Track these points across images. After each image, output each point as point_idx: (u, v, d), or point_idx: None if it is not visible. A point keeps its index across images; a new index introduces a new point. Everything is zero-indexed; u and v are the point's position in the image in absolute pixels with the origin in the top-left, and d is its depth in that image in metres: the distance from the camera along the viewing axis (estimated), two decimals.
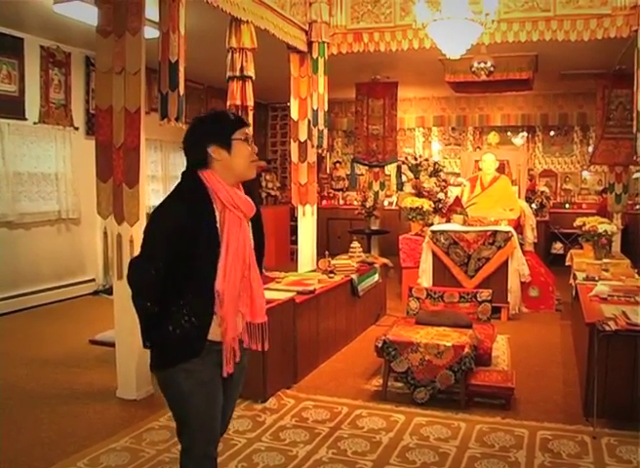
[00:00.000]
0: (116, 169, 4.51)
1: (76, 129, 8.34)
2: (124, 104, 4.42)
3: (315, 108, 7.02)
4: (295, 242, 8.19)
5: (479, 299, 5.58)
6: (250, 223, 2.45)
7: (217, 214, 2.30)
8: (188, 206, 2.26)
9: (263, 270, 5.95)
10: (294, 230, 9.47)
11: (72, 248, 8.45)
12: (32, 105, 7.72)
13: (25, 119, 7.66)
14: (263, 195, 12.24)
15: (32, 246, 7.81)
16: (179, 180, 2.39)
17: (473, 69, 8.07)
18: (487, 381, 4.50)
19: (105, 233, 4.84)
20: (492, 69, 8.06)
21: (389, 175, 11.65)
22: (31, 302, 7.67)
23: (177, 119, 4.65)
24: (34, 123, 7.75)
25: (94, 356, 5.68)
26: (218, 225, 2.29)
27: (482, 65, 8.00)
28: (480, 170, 8.59)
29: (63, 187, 8.20)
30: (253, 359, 4.38)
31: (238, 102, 5.86)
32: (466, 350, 4.39)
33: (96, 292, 8.58)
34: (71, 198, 8.30)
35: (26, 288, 7.69)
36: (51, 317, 7.31)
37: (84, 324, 6.85)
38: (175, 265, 2.24)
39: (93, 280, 8.70)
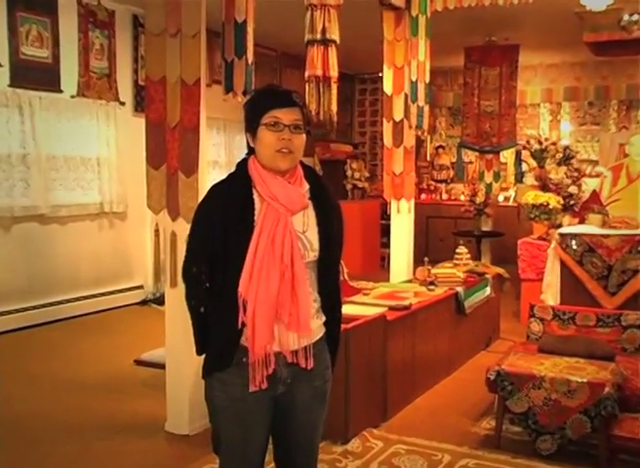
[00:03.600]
0: (171, 153, 4.58)
1: (122, 104, 8.58)
2: (180, 75, 4.48)
3: (414, 80, 6.96)
4: (386, 245, 8.18)
5: (624, 324, 5.40)
6: (315, 219, 2.55)
7: (257, 204, 2.47)
8: (228, 196, 2.48)
9: (345, 277, 5.99)
10: (385, 230, 9.44)
11: (117, 248, 8.68)
12: (69, 75, 7.94)
13: (61, 91, 7.87)
14: (349, 187, 12.30)
15: (69, 244, 8.06)
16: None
17: (623, 24, 7.81)
18: (637, 433, 4.33)
19: (157, 231, 4.95)
20: None
21: (506, 164, 11.48)
22: (66, 312, 7.91)
23: (244, 93, 4.69)
24: (71, 96, 7.98)
25: (139, 380, 5.81)
26: (255, 218, 2.44)
27: (635, 18, 7.74)
28: (626, 156, 8.34)
29: (107, 174, 8.44)
30: (332, 387, 4.41)
31: (319, 72, 5.84)
32: (607, 389, 4.25)
33: (144, 302, 8.79)
34: (116, 188, 8.54)
35: (61, 295, 7.94)
36: (89, 330, 7.52)
37: (129, 340, 7.03)
38: (214, 262, 2.48)
39: (141, 287, 8.90)
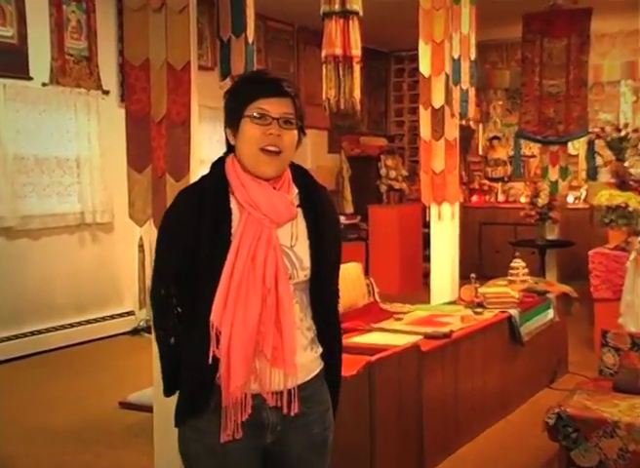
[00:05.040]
0: (156, 152, 4.62)
1: (106, 92, 8.66)
2: (166, 58, 4.50)
3: (457, 57, 6.96)
4: (429, 258, 8.15)
5: None
6: (305, 230, 2.54)
7: (235, 215, 2.46)
8: (199, 203, 2.46)
9: (376, 298, 5.98)
10: (428, 241, 9.45)
11: (101, 266, 8.75)
12: (40, 58, 7.98)
13: (30, 78, 7.92)
14: (383, 188, 12.26)
15: (42, 263, 8.11)
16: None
17: None
18: None
19: (141, 245, 4.98)
20: None
21: (576, 157, 11.41)
22: (41, 345, 7.93)
23: None
24: (43, 84, 8.03)
25: (124, 426, 5.85)
26: (233, 231, 2.43)
27: None
28: None
29: (88, 178, 8.51)
30: (353, 435, 4.41)
31: (338, 51, 5.88)
32: None
33: (135, 331, 8.81)
34: (100, 194, 8.61)
35: (34, 324, 7.97)
36: (67, 367, 7.56)
37: (115, 377, 7.07)
38: (184, 283, 2.49)
39: (132, 313, 8.91)
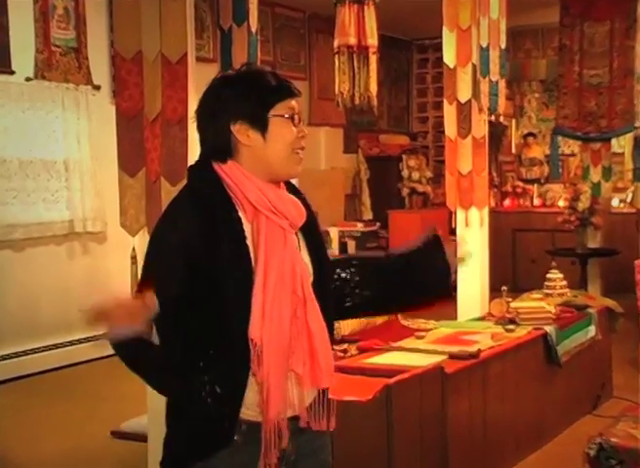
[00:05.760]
0: (151, 154, 4.66)
1: (96, 88, 8.68)
2: (160, 50, 4.54)
3: (485, 45, 6.95)
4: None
5: None
6: (302, 237, 2.58)
7: (245, 225, 2.44)
8: (202, 217, 2.39)
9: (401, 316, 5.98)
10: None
11: (93, 279, 8.74)
12: (22, 50, 7.99)
13: (12, 72, 7.94)
14: (405, 192, 12.25)
15: (27, 277, 8.14)
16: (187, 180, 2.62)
17: None
18: None
19: (134, 257, 5.01)
20: None
21: (621, 155, 11.37)
22: (26, 368, 7.96)
23: None
24: (27, 79, 8.05)
25: (116, 457, 5.86)
26: (248, 242, 2.41)
27: None
28: None
29: (78, 183, 8.53)
30: (369, 466, 4.42)
31: (352, 41, 5.90)
32: None
33: None
34: (91, 200, 8.63)
35: (17, 345, 8.00)
36: (53, 392, 7.58)
37: (106, 404, 7.08)
38: (187, 308, 2.37)
39: None
